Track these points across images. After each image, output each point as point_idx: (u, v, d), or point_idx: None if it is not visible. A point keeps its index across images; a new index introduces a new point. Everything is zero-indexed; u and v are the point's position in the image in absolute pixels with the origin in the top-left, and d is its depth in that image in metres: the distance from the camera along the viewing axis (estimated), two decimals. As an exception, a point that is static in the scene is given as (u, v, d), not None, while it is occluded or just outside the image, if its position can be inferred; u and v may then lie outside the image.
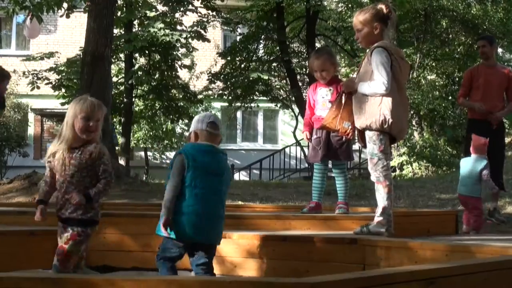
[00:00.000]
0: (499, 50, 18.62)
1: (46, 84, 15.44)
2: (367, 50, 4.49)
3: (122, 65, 16.85)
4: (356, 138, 4.78)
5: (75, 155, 3.65)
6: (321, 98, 5.06)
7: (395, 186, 10.19)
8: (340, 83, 4.96)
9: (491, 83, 6.55)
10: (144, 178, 15.57)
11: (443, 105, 15.71)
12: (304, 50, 17.94)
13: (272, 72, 17.68)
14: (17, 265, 4.31)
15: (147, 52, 15.64)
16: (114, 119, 16.07)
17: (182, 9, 15.31)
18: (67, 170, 3.64)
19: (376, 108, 4.29)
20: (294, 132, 18.99)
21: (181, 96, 16.52)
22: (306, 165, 17.29)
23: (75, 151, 3.66)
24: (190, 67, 17.95)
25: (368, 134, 4.38)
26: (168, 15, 15.33)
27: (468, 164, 5.64)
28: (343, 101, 4.55)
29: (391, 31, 4.62)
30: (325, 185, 5.27)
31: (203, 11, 15.72)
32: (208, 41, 15.59)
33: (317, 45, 16.42)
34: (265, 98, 17.31)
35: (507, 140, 14.71)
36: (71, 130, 3.65)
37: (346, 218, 4.96)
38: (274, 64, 17.53)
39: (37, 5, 10.11)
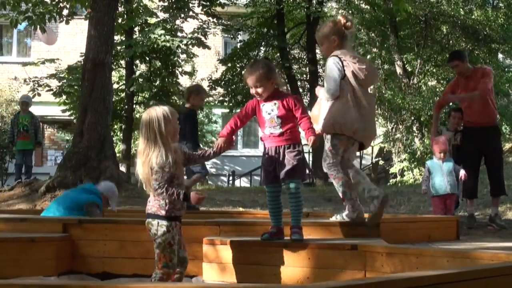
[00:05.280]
0: (500, 56, 18.66)
1: (47, 91, 15.44)
2: None
3: (123, 71, 16.87)
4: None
5: None
6: (267, 114, 4.34)
7: (396, 192, 10.24)
8: (287, 96, 4.37)
9: (473, 91, 6.61)
10: (145, 184, 15.57)
11: (444, 111, 15.68)
12: (304, 57, 17.97)
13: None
14: (18, 272, 4.30)
15: (147, 58, 15.66)
16: (115, 126, 16.07)
17: (182, 15, 15.34)
18: None
19: (328, 112, 4.76)
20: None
21: (181, 103, 16.52)
22: (307, 171, 17.23)
23: None
24: (191, 74, 17.97)
25: (325, 135, 4.83)
26: (169, 21, 15.36)
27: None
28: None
29: (349, 40, 4.86)
30: (282, 205, 4.46)
31: (204, 17, 15.75)
32: (209, 48, 15.61)
33: (317, 51, 16.41)
34: (265, 104, 17.29)
35: (508, 146, 14.71)
36: None
37: (346, 224, 4.94)
38: (275, 70, 17.54)
39: (40, 14, 10.14)
